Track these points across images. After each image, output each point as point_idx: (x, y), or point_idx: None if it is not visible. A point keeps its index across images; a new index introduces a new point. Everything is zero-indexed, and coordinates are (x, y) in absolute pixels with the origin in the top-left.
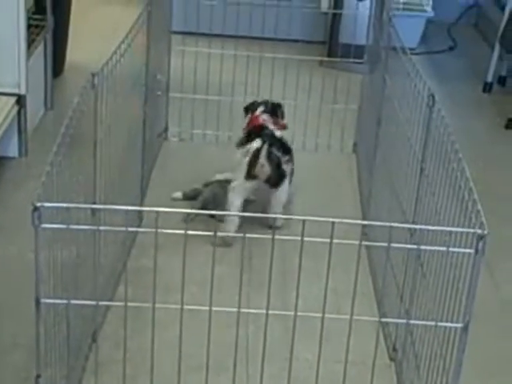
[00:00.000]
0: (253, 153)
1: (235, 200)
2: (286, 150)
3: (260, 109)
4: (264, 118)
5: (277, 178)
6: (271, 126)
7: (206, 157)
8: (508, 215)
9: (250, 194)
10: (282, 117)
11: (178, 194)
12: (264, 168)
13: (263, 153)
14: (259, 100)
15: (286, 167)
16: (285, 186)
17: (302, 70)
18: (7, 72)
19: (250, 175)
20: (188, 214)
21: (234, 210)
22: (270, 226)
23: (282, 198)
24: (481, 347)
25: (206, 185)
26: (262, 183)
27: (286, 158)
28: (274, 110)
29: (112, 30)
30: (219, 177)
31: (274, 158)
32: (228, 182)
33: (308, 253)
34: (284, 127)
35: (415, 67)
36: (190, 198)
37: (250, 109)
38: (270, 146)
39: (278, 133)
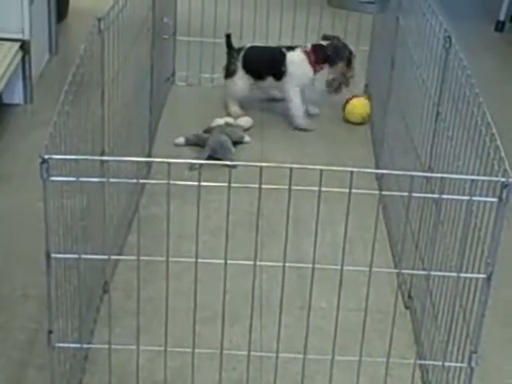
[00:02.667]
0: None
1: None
2: (266, 66)
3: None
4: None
5: (224, 71)
6: (297, 55)
7: (214, 101)
8: None
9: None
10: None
11: (181, 140)
12: None
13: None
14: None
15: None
16: (229, 82)
17: (312, 11)
18: (11, 17)
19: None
20: (200, 164)
21: None
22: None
23: (226, 91)
24: (499, 294)
25: (207, 131)
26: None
27: (242, 65)
28: (329, 54)
29: None
30: (219, 121)
31: (229, 56)
32: (229, 125)
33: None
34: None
35: (431, 7)
36: (193, 143)
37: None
38: (247, 52)
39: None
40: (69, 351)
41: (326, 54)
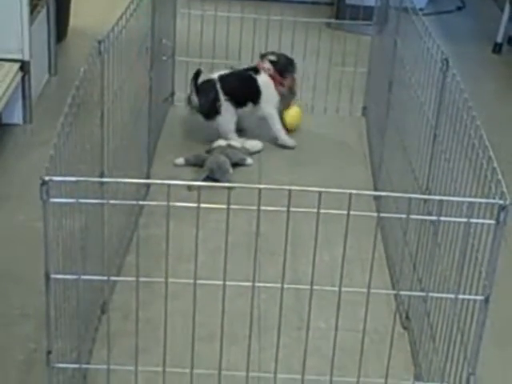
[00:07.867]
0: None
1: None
2: (245, 92)
3: (270, 57)
4: (268, 68)
5: (206, 112)
6: (265, 77)
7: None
8: None
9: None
10: (293, 72)
11: (181, 160)
12: (192, 100)
13: (193, 87)
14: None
15: (221, 105)
16: (220, 119)
17: (310, 33)
18: (10, 38)
19: (187, 102)
20: (198, 185)
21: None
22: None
23: (220, 129)
24: (496, 315)
25: (208, 151)
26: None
27: (226, 97)
28: (285, 66)
29: None
30: (221, 143)
31: (204, 94)
32: (230, 146)
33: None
34: (283, 85)
35: (428, 29)
36: (193, 164)
37: (262, 56)
38: (222, 82)
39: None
40: (67, 371)
41: (280, 70)
